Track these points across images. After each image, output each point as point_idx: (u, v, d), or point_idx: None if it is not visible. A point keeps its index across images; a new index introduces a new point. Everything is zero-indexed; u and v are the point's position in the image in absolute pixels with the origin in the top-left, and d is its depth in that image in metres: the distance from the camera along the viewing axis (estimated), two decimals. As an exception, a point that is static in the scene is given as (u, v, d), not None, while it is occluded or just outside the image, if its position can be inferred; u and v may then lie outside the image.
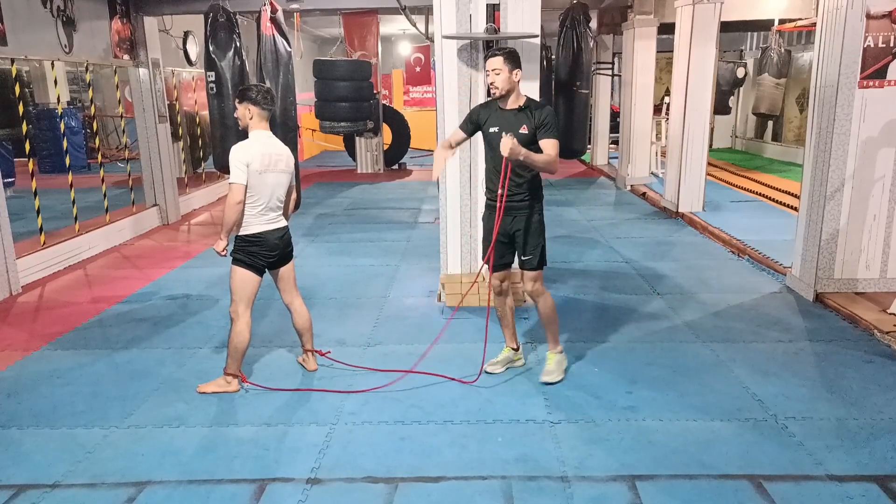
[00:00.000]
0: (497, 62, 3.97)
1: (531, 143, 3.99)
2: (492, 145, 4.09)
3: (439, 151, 4.41)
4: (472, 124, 4.24)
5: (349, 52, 13.96)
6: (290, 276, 4.38)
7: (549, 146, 3.99)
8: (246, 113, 4.07)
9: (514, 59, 4.00)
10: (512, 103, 4.07)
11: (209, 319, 5.59)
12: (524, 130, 3.99)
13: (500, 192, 4.05)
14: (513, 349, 4.55)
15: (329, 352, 4.67)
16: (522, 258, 4.23)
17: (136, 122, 9.47)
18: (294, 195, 4.39)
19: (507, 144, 3.82)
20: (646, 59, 11.35)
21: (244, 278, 4.10)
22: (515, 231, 4.19)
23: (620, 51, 12.68)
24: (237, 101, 4.11)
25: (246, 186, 3.95)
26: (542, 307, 4.32)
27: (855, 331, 5.08)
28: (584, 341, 4.95)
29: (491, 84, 4.04)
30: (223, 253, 4.12)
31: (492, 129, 4.09)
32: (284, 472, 3.38)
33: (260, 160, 3.98)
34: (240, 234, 4.08)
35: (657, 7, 11.13)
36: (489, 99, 4.22)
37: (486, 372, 4.44)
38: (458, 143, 4.37)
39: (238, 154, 3.95)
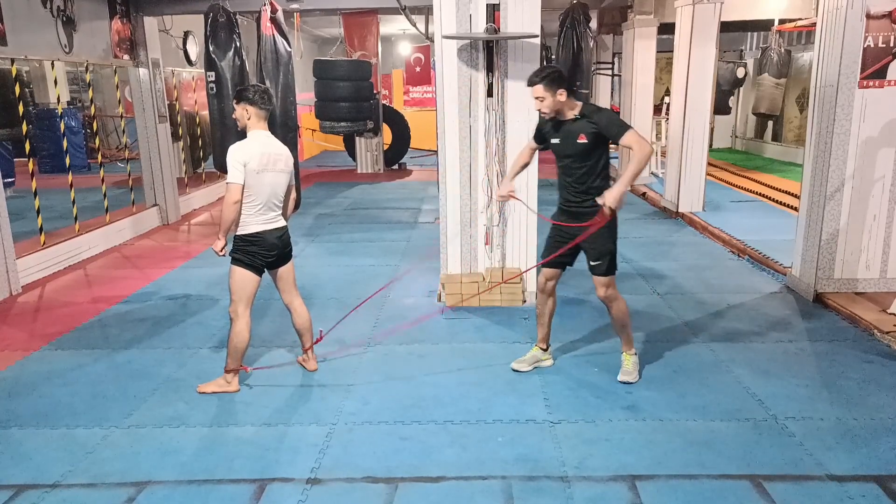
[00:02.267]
0: (538, 91, 3.97)
1: (593, 149, 4.01)
2: (557, 155, 4.15)
3: (507, 180, 4.42)
4: (539, 136, 4.29)
5: (349, 52, 13.96)
6: (289, 276, 4.38)
7: (630, 140, 3.92)
8: (244, 113, 4.07)
9: (553, 81, 3.95)
10: (567, 115, 4.07)
11: (209, 319, 5.59)
12: (582, 140, 3.99)
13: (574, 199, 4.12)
14: (542, 349, 4.57)
15: (321, 331, 4.62)
16: (591, 263, 4.18)
17: (136, 122, 9.47)
18: (293, 195, 4.38)
19: (612, 202, 3.87)
20: (646, 59, 11.36)
21: (243, 278, 4.10)
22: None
23: (620, 51, 12.70)
24: (235, 101, 4.11)
25: (243, 186, 3.95)
26: (616, 312, 4.29)
27: (855, 331, 5.08)
28: (585, 341, 4.95)
29: (538, 110, 4.08)
30: (222, 253, 4.12)
31: (553, 140, 4.15)
32: (284, 472, 3.38)
33: (258, 160, 3.98)
34: (238, 233, 4.08)
35: (657, 7, 11.13)
36: None
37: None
38: (532, 153, 4.40)
39: (235, 154, 3.94)
